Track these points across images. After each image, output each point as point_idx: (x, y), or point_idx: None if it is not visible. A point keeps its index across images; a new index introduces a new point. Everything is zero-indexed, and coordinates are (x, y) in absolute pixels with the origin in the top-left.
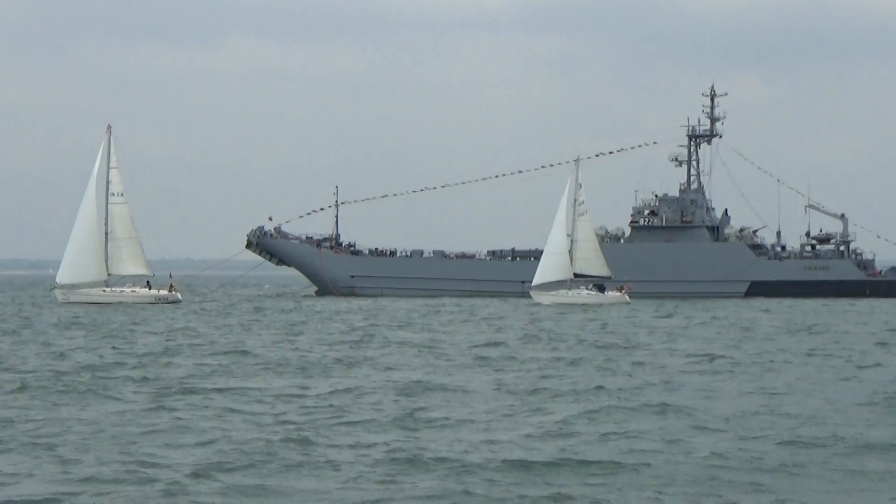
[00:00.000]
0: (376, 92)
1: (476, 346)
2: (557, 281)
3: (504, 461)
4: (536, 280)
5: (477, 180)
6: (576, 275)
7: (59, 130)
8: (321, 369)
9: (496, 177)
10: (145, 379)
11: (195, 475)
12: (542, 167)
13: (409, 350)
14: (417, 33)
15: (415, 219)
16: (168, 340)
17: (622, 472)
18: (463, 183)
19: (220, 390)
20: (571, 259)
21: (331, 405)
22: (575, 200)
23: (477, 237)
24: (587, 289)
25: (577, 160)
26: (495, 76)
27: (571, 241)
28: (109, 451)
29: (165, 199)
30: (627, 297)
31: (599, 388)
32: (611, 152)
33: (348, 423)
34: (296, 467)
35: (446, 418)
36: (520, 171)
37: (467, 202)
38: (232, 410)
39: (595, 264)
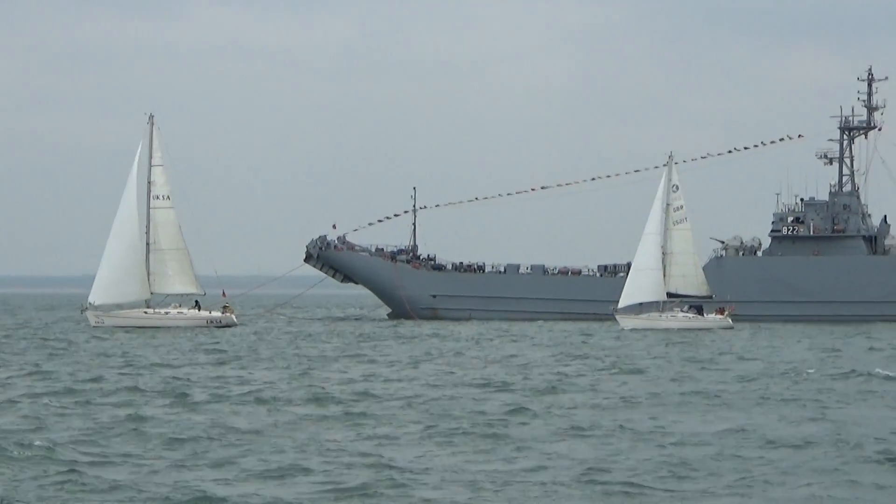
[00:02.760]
0: (403, 70)
1: None
2: (648, 303)
3: None
4: (623, 301)
5: (584, 181)
6: (669, 294)
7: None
8: None
9: (608, 176)
10: None
11: None
12: (651, 168)
13: None
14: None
15: (504, 227)
16: None
17: None
18: (566, 184)
19: None
20: (665, 276)
21: None
22: (668, 205)
23: (579, 250)
24: (683, 311)
25: (670, 158)
26: (513, 52)
27: (664, 254)
28: None
29: (208, 202)
30: (730, 321)
31: None
32: (745, 147)
33: None
34: None
35: None
36: (636, 171)
37: (567, 208)
38: None
39: (693, 282)
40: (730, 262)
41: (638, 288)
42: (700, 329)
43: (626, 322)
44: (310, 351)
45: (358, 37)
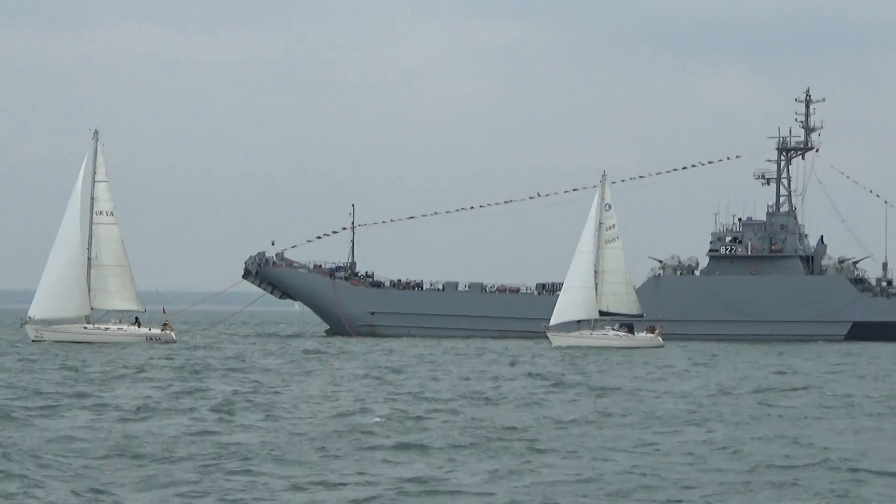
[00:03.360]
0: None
1: None
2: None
3: None
4: (555, 319)
5: (522, 199)
6: (601, 312)
7: None
8: None
9: (546, 195)
10: None
11: None
12: (590, 187)
13: None
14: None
15: (443, 245)
16: None
17: None
18: (504, 202)
19: None
20: (597, 294)
21: None
22: (601, 224)
23: (517, 268)
24: (614, 329)
25: (603, 177)
26: (445, 69)
27: (597, 272)
28: None
29: (147, 218)
30: (660, 339)
31: None
32: (683, 167)
33: None
34: None
35: None
36: (574, 190)
37: (505, 226)
38: None
39: (625, 301)
40: (668, 282)
41: (570, 306)
42: (631, 347)
43: (558, 340)
44: (269, 365)
45: (290, 53)
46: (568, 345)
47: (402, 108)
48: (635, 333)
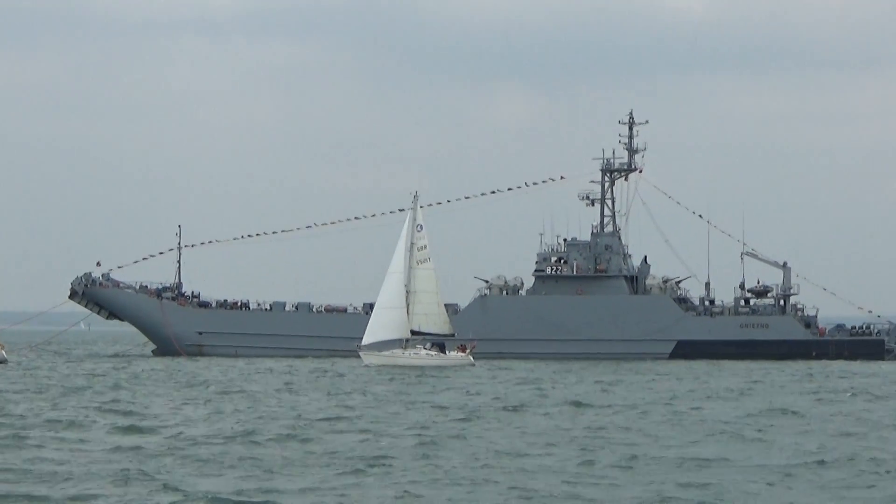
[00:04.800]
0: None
1: None
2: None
3: None
4: (367, 338)
5: (348, 220)
6: (413, 332)
7: None
8: None
9: (372, 216)
10: None
11: None
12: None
13: None
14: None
15: (270, 265)
16: None
17: None
18: (331, 223)
19: None
20: (409, 314)
21: None
22: (412, 245)
23: (344, 287)
24: (426, 348)
25: (415, 198)
26: (245, 90)
27: (408, 292)
28: None
29: None
30: (472, 358)
31: None
32: (508, 189)
33: None
34: None
35: None
36: (401, 210)
37: (331, 246)
38: None
39: (436, 320)
40: (494, 301)
41: (381, 325)
42: (443, 366)
43: (369, 359)
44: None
45: (115, 72)
46: (379, 363)
47: (216, 128)
48: (447, 352)
